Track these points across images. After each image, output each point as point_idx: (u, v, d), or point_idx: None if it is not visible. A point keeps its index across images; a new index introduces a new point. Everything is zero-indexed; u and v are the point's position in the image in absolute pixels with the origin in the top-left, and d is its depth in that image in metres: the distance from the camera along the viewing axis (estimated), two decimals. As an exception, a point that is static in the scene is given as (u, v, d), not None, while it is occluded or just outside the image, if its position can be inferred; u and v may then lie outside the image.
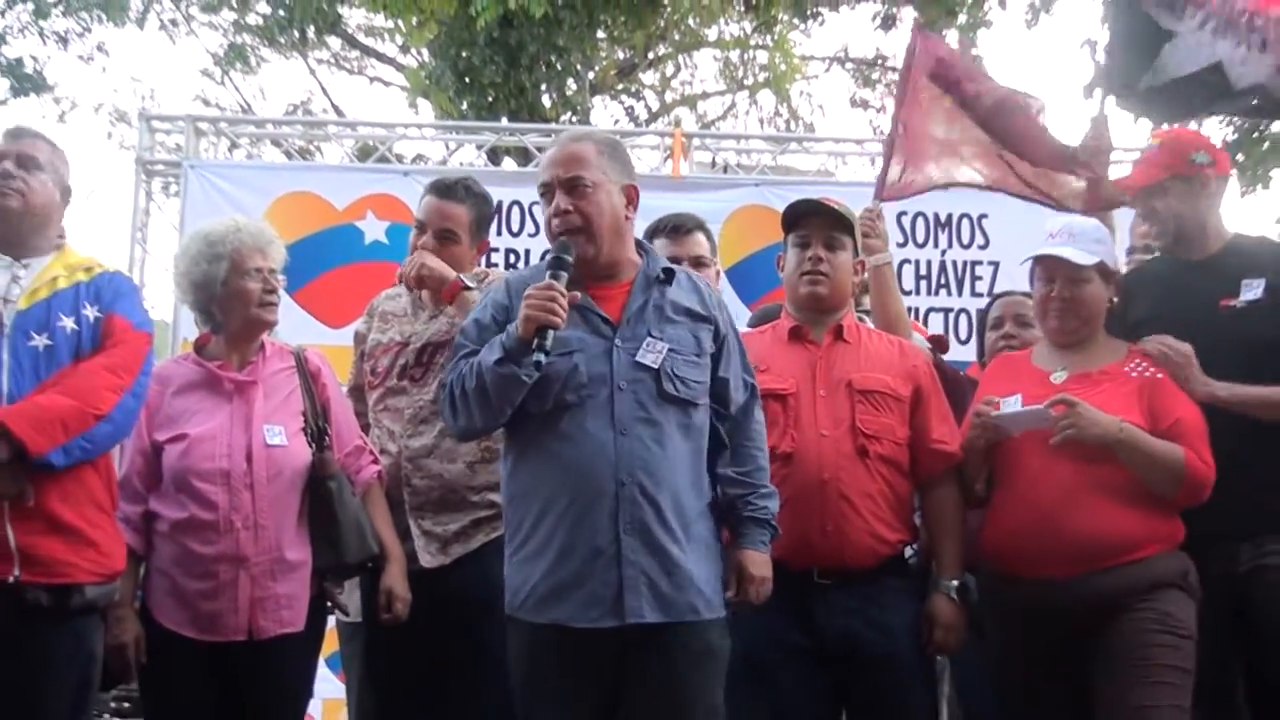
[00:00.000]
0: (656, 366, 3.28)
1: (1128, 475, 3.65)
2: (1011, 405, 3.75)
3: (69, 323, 3.50)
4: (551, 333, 3.15)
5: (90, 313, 3.54)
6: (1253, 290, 3.81)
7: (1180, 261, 4.07)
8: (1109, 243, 4.00)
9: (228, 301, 3.83)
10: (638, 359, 3.28)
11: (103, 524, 3.52)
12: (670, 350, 3.31)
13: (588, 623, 3.17)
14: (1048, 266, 3.90)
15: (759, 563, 3.40)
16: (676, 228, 4.64)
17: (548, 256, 3.34)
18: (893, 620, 3.68)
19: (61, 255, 3.64)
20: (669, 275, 3.45)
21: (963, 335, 7.13)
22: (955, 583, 3.73)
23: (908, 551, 3.85)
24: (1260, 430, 3.72)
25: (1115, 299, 3.96)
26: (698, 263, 4.37)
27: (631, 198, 3.46)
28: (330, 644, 4.15)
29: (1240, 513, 3.68)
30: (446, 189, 4.17)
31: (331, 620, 4.07)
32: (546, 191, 3.40)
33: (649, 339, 3.31)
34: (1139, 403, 3.72)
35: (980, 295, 7.24)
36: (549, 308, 3.14)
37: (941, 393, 3.93)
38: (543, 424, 3.27)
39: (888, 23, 15.64)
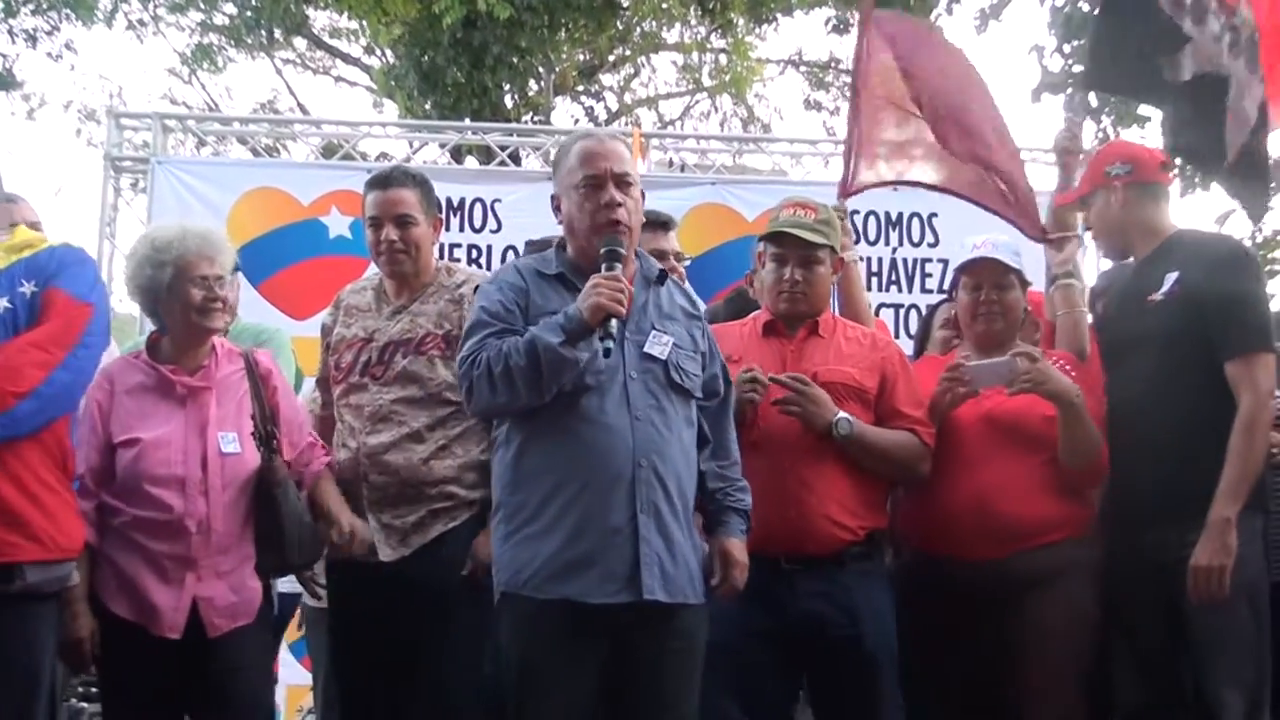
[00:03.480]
0: (665, 358, 3.38)
1: (1055, 466, 3.89)
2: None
3: (3, 302, 3.37)
4: (614, 322, 3.20)
5: (26, 289, 3.40)
6: (1169, 283, 3.88)
7: (1137, 257, 4.16)
8: (1022, 257, 4.18)
9: (171, 307, 3.78)
10: (646, 350, 3.37)
11: (49, 503, 3.41)
12: (675, 344, 3.41)
13: (603, 598, 3.22)
14: (976, 273, 4.10)
15: (741, 549, 3.47)
16: (666, 223, 4.74)
17: (602, 249, 3.32)
18: (858, 602, 3.71)
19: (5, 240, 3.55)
20: (662, 277, 3.54)
21: (913, 331, 7.16)
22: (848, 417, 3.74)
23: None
24: (1186, 417, 3.78)
25: (1028, 308, 4.16)
26: (678, 257, 4.46)
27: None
28: (293, 631, 4.16)
29: (1167, 498, 3.76)
30: (386, 179, 4.14)
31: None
32: (596, 182, 3.39)
33: (654, 332, 3.40)
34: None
35: (930, 292, 7.33)
36: (619, 298, 3.19)
37: (911, 379, 3.98)
38: (562, 406, 3.29)
39: (840, 27, 15.67)
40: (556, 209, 3.55)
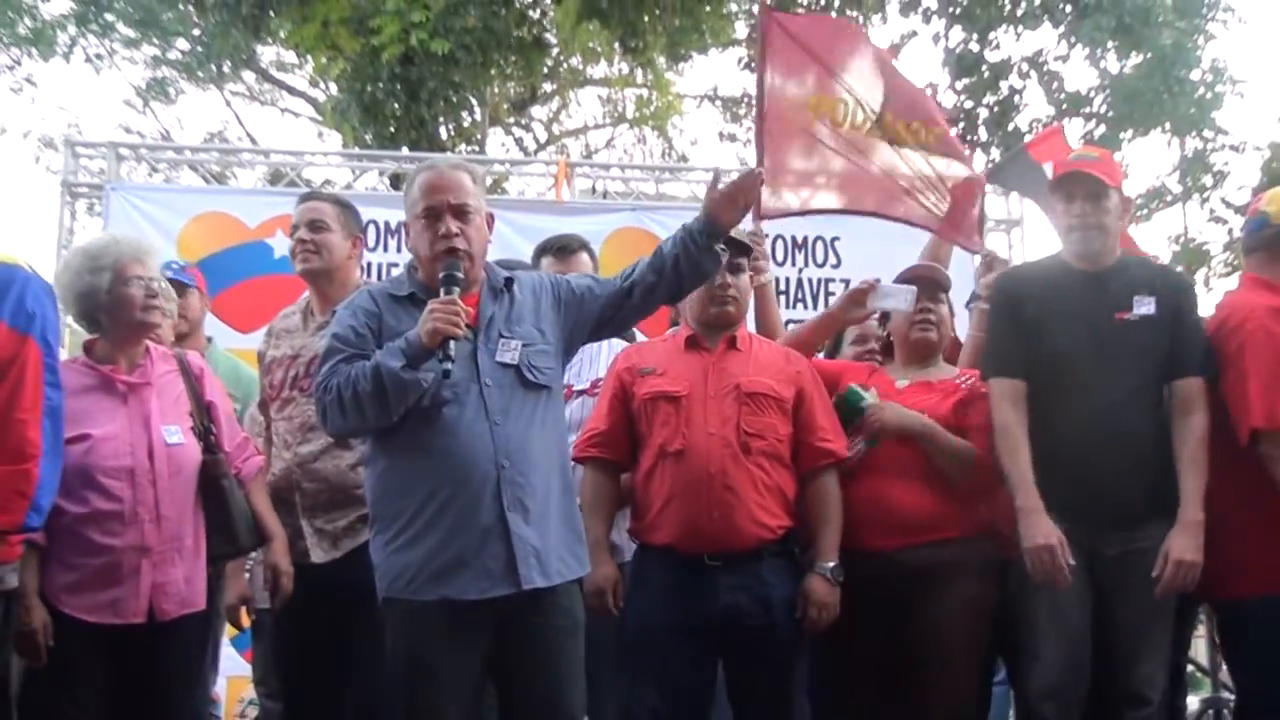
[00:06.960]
0: (516, 363, 3.43)
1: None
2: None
3: None
4: (452, 343, 3.25)
5: None
6: (1145, 305, 3.91)
7: (1074, 270, 4.05)
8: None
9: (113, 308, 3.76)
10: (498, 359, 3.42)
11: None
12: (524, 345, 3.46)
13: (479, 594, 3.28)
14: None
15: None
16: (563, 248, 4.76)
17: (440, 274, 3.38)
18: (773, 595, 3.79)
19: None
20: (509, 284, 3.58)
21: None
22: (831, 564, 3.82)
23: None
24: (1150, 430, 3.88)
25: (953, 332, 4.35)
26: None
27: (490, 223, 3.61)
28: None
29: (1128, 501, 3.84)
30: (309, 195, 4.39)
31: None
32: (434, 213, 3.46)
33: (502, 339, 3.45)
34: (952, 405, 4.05)
35: (834, 311, 7.48)
36: (455, 321, 3.24)
37: (825, 394, 4.05)
38: (420, 421, 3.35)
39: (752, 65, 15.90)
40: (407, 234, 3.62)
